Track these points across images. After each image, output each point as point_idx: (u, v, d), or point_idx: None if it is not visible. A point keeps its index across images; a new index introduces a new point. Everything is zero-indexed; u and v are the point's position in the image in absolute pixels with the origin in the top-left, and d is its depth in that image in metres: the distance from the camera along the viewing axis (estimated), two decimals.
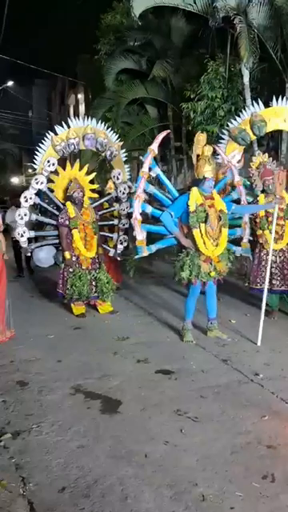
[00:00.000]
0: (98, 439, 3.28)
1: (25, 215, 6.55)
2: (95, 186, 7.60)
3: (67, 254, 6.44)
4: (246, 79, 9.51)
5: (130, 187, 7.44)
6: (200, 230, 5.22)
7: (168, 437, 3.28)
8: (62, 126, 6.90)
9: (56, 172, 6.90)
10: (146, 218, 5.88)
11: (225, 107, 10.10)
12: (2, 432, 3.42)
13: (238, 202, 6.34)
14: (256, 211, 6.10)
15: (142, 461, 3.00)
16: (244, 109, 7.59)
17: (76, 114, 22.50)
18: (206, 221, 5.23)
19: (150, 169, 5.61)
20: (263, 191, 6.11)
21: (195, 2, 9.84)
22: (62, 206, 6.70)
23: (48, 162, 6.66)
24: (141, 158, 5.98)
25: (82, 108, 25.42)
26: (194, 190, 5.30)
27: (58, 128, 6.90)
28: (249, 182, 6.41)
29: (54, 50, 20.85)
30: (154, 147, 5.67)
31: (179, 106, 10.90)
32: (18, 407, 3.82)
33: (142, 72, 12.82)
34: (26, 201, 6.56)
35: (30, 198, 6.57)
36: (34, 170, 6.91)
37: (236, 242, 6.22)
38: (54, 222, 6.81)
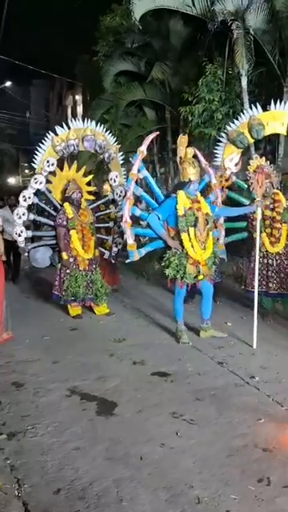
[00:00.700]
0: (94, 441, 3.27)
1: (23, 215, 6.55)
2: (92, 188, 7.61)
3: (64, 255, 6.44)
4: (244, 83, 9.53)
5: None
6: (188, 234, 5.23)
7: (164, 439, 3.28)
8: (62, 127, 6.91)
9: (53, 173, 6.90)
10: (137, 221, 5.90)
11: (222, 110, 10.11)
12: None
13: (241, 205, 6.38)
14: (238, 214, 6.15)
15: (138, 463, 3.00)
16: (242, 112, 7.61)
17: (74, 115, 22.51)
18: (195, 225, 5.25)
19: (138, 170, 5.62)
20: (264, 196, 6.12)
21: (194, 5, 9.87)
22: (59, 207, 6.71)
23: (47, 162, 6.67)
24: (130, 159, 5.99)
25: (79, 109, 25.40)
26: (181, 193, 5.32)
27: (58, 128, 6.91)
28: (246, 185, 6.42)
29: (53, 51, 20.81)
30: (143, 148, 5.69)
31: (177, 108, 10.92)
32: (14, 408, 3.81)
33: (141, 74, 12.84)
34: (25, 200, 6.56)
35: (29, 198, 6.57)
36: (32, 170, 6.91)
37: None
38: (51, 223, 6.81)
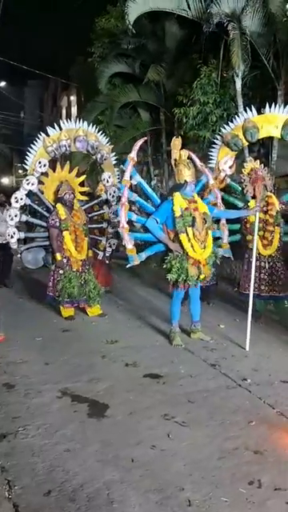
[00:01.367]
0: (85, 443, 3.26)
1: (15, 216, 6.52)
2: (85, 189, 7.60)
3: (58, 256, 6.42)
4: (239, 85, 9.56)
5: (120, 190, 7.46)
6: (187, 234, 5.24)
7: (156, 441, 3.27)
8: (54, 128, 6.90)
9: (46, 174, 6.89)
10: (134, 226, 5.91)
11: (217, 113, 10.14)
12: None
13: (237, 209, 6.41)
14: (236, 217, 6.19)
15: (129, 465, 2.99)
16: (236, 115, 7.63)
17: (68, 116, 22.48)
18: (193, 224, 5.25)
19: (130, 177, 5.63)
20: (254, 197, 6.14)
21: (189, 8, 9.88)
22: (51, 208, 6.69)
23: (39, 163, 6.65)
24: (121, 166, 6.01)
25: (74, 110, 25.38)
26: (177, 195, 5.33)
27: (49, 129, 6.89)
28: (240, 188, 6.44)
29: (48, 52, 20.81)
30: (133, 155, 5.69)
31: (172, 110, 10.94)
32: (5, 410, 3.78)
33: (136, 76, 12.86)
34: (17, 201, 6.54)
35: (21, 199, 6.55)
36: (25, 170, 6.88)
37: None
38: (44, 224, 6.79)
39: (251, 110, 6.70)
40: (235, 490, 2.74)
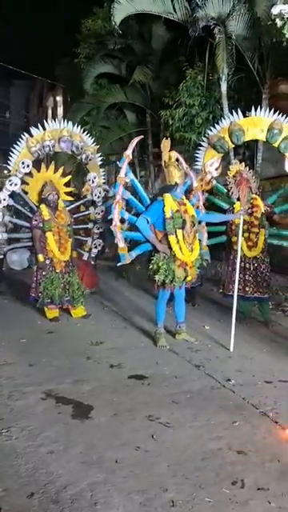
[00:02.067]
0: (68, 445, 3.24)
1: None
2: (71, 189, 7.56)
3: (40, 257, 6.38)
4: (224, 88, 9.63)
5: (106, 190, 7.45)
6: (176, 236, 5.25)
7: (139, 442, 3.27)
8: (38, 128, 6.86)
9: (30, 174, 6.85)
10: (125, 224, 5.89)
11: (203, 115, 10.20)
12: None
13: (223, 211, 6.44)
14: (221, 220, 6.23)
15: (112, 466, 2.98)
16: (222, 117, 7.67)
17: (54, 117, 22.38)
18: (183, 227, 5.27)
19: (125, 174, 5.64)
20: (239, 199, 6.18)
21: (175, 11, 9.91)
22: (35, 209, 6.65)
23: (22, 163, 6.62)
24: (118, 163, 5.99)
25: (60, 110, 25.29)
26: (168, 196, 5.34)
27: (33, 130, 6.86)
28: (225, 190, 6.48)
29: (34, 52, 20.71)
30: (129, 153, 5.70)
31: (158, 112, 10.97)
32: None
33: (122, 77, 12.87)
34: (0, 202, 6.49)
35: (4, 200, 6.51)
36: (9, 171, 6.84)
37: None
38: (27, 224, 6.75)
39: (237, 113, 6.74)
40: (219, 490, 2.75)
